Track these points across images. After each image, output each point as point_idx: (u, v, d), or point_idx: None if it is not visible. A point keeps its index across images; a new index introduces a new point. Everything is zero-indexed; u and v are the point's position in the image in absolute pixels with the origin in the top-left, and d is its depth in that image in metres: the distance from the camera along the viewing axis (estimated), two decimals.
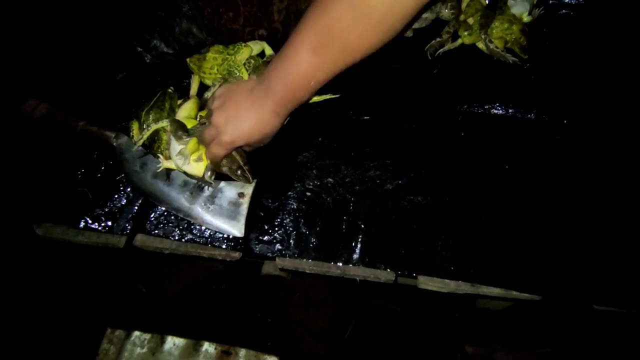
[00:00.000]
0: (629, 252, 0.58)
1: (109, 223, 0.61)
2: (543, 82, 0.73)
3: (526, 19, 0.73)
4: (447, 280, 0.57)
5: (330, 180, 0.64)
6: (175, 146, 0.59)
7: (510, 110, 0.70)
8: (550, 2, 0.81)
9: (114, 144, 0.64)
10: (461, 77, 0.73)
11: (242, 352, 0.78)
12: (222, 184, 0.62)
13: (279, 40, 0.73)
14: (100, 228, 0.60)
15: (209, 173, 0.59)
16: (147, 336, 0.80)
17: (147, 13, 0.73)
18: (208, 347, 0.79)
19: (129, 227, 0.60)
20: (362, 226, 0.60)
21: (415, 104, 0.71)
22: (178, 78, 0.73)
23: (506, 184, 0.63)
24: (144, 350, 0.78)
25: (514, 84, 0.72)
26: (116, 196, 0.63)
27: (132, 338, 0.80)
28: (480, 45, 0.74)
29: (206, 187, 0.62)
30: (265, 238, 0.60)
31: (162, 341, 0.79)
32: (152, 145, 0.63)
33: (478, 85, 0.72)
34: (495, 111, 0.70)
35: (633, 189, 0.63)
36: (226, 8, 0.71)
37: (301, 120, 0.69)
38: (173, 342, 0.79)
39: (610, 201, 0.62)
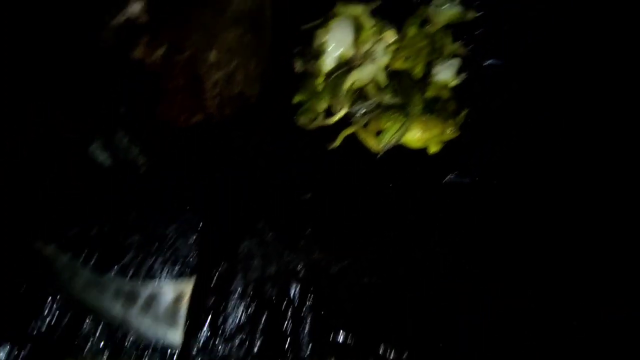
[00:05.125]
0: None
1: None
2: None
3: (453, 83, 0.76)
4: None
5: (274, 268, 0.62)
6: None
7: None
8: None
9: (44, 254, 0.61)
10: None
11: None
12: (156, 288, 0.59)
13: (214, 126, 0.73)
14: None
15: None
16: None
17: None
18: None
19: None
20: (309, 317, 0.57)
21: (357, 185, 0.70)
22: None
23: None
24: None
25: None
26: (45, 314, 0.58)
27: None
28: None
29: (140, 295, 0.58)
30: (207, 343, 0.56)
31: None
32: None
33: None
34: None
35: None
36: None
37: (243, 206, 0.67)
38: None
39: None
